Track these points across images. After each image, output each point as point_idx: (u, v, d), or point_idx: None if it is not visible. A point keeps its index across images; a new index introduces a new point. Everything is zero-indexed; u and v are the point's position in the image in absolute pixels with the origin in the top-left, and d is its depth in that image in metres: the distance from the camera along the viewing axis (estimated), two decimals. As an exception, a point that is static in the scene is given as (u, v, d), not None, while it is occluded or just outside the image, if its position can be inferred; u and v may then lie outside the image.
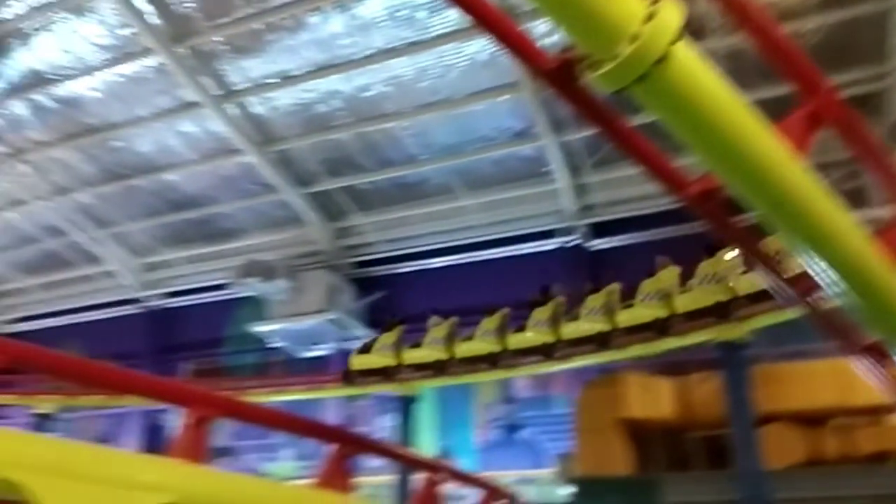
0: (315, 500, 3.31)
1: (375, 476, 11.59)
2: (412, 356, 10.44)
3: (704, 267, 8.90)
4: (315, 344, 14.35)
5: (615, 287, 9.67)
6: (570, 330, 9.56)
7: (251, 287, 13.84)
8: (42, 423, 12.78)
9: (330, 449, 3.63)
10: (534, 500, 10.17)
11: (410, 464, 5.84)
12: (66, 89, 12.79)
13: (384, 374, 10.71)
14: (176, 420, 13.33)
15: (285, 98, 12.59)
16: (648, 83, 2.15)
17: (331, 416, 14.16)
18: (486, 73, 11.60)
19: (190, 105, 12.70)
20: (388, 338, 10.68)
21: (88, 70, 12.32)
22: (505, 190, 13.53)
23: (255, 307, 14.31)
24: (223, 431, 14.02)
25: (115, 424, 16.09)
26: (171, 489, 2.77)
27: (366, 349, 11.00)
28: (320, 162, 13.72)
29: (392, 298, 14.46)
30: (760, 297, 8.09)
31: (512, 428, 13.20)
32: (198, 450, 3.15)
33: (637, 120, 3.86)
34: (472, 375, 10.38)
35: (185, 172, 14.24)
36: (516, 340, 9.93)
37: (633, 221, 12.93)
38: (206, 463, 3.24)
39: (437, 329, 10.40)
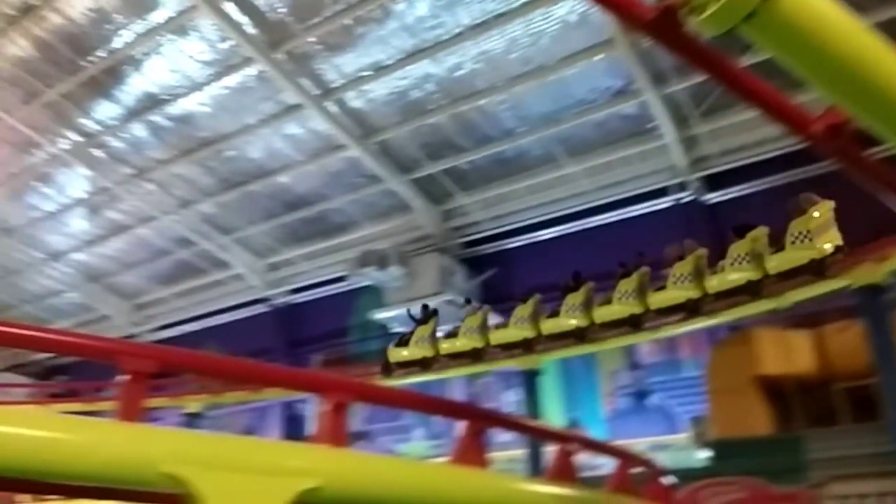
0: (454, 476, 3.38)
1: (505, 451, 11.74)
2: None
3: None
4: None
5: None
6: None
7: (368, 276, 14.25)
8: (192, 421, 13.73)
9: (462, 426, 3.69)
10: (669, 466, 9.94)
11: (542, 436, 5.84)
12: (178, 107, 13.57)
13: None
14: (312, 409, 13.97)
15: (380, 89, 12.79)
16: (758, 20, 2.01)
17: (456, 395, 14.42)
18: (577, 34, 11.30)
19: (292, 108, 13.16)
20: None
21: (196, 86, 13.01)
22: (609, 152, 13.18)
23: (374, 295, 14.74)
24: (357, 417, 14.59)
25: (258, 418, 17.08)
26: (317, 473, 2.90)
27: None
28: (420, 147, 13.88)
29: (504, 274, 14.48)
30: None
31: (640, 395, 12.97)
32: (338, 434, 3.27)
33: (748, 60, 3.63)
34: (614, 340, 10.14)
35: (295, 173, 14.80)
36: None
37: (749, 169, 12.27)
38: (346, 446, 3.37)
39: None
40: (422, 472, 3.49)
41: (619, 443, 9.10)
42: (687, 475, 8.76)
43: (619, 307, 9.75)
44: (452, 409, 3.96)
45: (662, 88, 11.70)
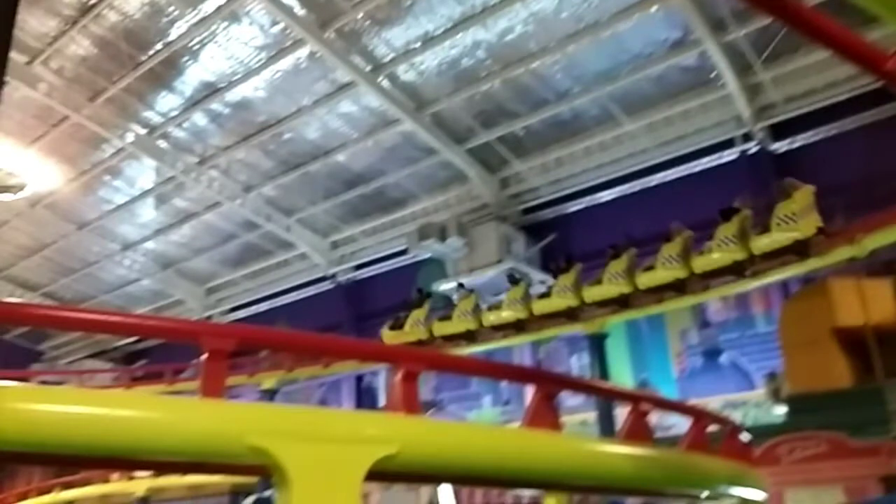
0: (529, 439, 3.41)
1: (575, 415, 11.75)
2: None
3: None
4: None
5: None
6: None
7: (428, 249, 14.35)
8: (268, 397, 14.19)
9: (534, 391, 3.71)
10: (744, 423, 9.77)
11: (614, 397, 5.81)
12: (235, 94, 13.83)
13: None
14: (383, 381, 14.27)
15: (431, 60, 12.73)
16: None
17: (522, 362, 14.46)
18: (629, -13, 10.97)
19: (345, 86, 13.25)
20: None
21: (251, 72, 13.22)
22: (670, 106, 12.83)
23: (436, 267, 14.84)
24: (426, 386, 14.82)
25: (331, 391, 17.53)
26: (393, 440, 2.98)
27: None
28: (474, 116, 13.79)
29: (565, 239, 14.35)
30: None
31: (711, 353, 12.72)
32: (410, 403, 3.34)
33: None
34: (660, 305, 9.99)
35: (351, 151, 14.94)
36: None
37: (817, 115, 11.75)
38: (419, 415, 3.44)
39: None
40: (496, 436, 3.54)
41: (693, 402, 9.00)
42: (763, 432, 8.57)
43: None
44: (523, 375, 3.98)
45: (722, 36, 11.27)
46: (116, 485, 13.40)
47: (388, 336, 11.61)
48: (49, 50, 13.21)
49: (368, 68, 12.84)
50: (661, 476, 4.04)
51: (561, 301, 10.46)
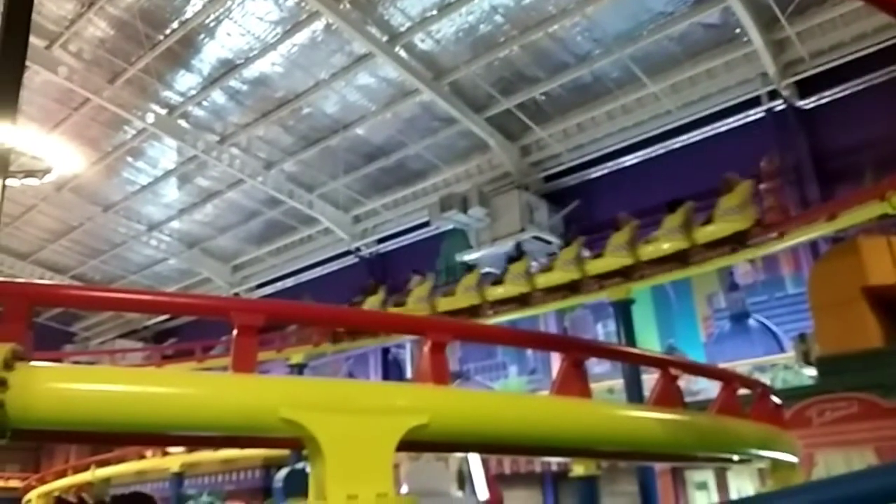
0: (560, 407, 3.40)
1: (601, 382, 11.72)
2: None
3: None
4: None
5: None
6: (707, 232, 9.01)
7: (451, 220, 14.31)
8: (296, 372, 14.36)
9: (562, 358, 3.69)
10: (774, 386, 9.69)
11: (643, 362, 5.78)
12: (253, 70, 13.80)
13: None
14: (408, 354, 14.35)
15: (448, 27, 12.58)
16: None
17: (548, 330, 14.45)
18: (648, -55, 10.70)
19: (362, 57, 13.15)
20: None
21: (268, 47, 13.17)
22: (693, 66, 12.57)
23: (459, 238, 14.83)
24: (451, 357, 14.86)
25: (357, 364, 17.70)
26: (424, 410, 2.99)
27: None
28: (493, 83, 13.63)
29: (588, 206, 14.23)
30: None
31: (739, 316, 12.61)
32: (439, 373, 3.34)
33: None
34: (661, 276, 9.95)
35: (370, 124, 14.89)
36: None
37: (846, 69, 11.43)
38: (448, 385, 3.45)
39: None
40: (526, 405, 3.54)
41: (722, 366, 8.94)
42: (793, 394, 8.50)
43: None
44: (551, 342, 3.97)
45: (745, -9, 10.99)
46: (151, 461, 13.71)
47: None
48: (67, 33, 13.26)
49: (385, 38, 12.72)
50: (692, 440, 4.02)
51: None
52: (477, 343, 11.90)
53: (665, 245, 9.69)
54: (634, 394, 9.07)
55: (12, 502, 18.00)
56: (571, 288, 10.64)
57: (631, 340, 9.74)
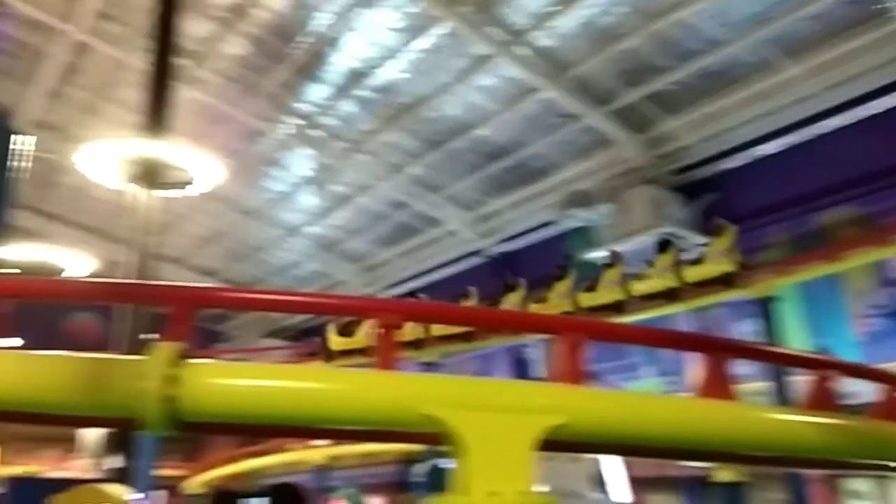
0: (707, 409, 3.26)
1: (742, 384, 11.08)
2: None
3: None
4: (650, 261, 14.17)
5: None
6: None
7: (576, 218, 14.11)
8: (429, 369, 14.66)
9: (703, 359, 3.54)
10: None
11: (794, 363, 5.43)
12: (379, 78, 14.24)
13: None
14: (537, 353, 14.25)
15: (568, 22, 12.40)
16: None
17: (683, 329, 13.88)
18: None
19: (483, 59, 13.23)
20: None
21: (393, 55, 13.54)
22: (834, 46, 11.64)
23: (586, 236, 14.57)
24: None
25: (485, 363, 17.79)
26: (563, 410, 2.96)
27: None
28: (617, 76, 13.29)
29: (725, 198, 13.55)
30: None
31: (898, 313, 11.57)
32: (575, 373, 3.30)
33: None
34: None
35: (492, 124, 14.94)
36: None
37: None
38: (584, 385, 3.39)
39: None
40: (669, 406, 3.42)
41: (880, 367, 8.23)
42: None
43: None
44: (693, 342, 3.81)
45: (895, -41, 10.08)
46: (298, 454, 14.47)
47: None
48: (208, 52, 14.25)
49: (506, 38, 12.72)
50: (848, 447, 3.74)
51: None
52: (614, 343, 11.65)
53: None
54: (782, 397, 8.56)
55: (174, 490, 19.58)
56: (724, 282, 10.15)
57: (776, 340, 9.20)
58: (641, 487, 10.57)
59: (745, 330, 12.88)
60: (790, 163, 12.60)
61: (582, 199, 13.87)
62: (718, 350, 3.53)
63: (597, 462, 8.24)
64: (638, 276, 11.09)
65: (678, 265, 10.58)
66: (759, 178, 13.00)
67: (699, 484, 12.23)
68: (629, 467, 9.44)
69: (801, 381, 7.89)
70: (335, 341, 13.04)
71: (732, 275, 10.00)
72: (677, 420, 3.24)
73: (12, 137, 5.99)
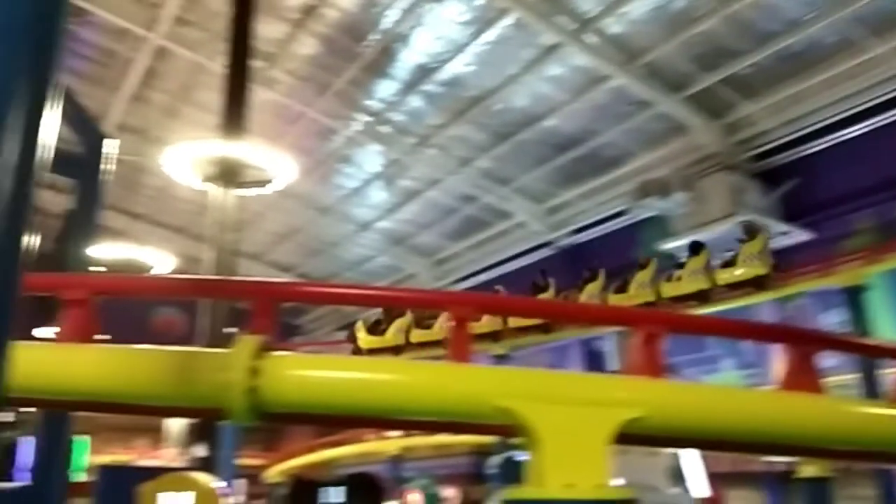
0: (789, 402, 3.16)
1: (827, 377, 10.60)
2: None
3: None
4: (729, 251, 13.72)
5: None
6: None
7: (651, 207, 13.79)
8: (500, 362, 14.65)
9: (789, 351, 3.42)
10: None
11: (884, 355, 5.17)
12: (446, 72, 14.27)
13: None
14: (610, 346, 14.00)
15: (639, 7, 12.11)
16: None
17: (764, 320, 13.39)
18: None
19: (552, 48, 13.08)
20: None
21: (460, 48, 13.54)
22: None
23: (660, 225, 14.23)
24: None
25: (558, 356, 17.63)
26: (640, 403, 2.92)
27: None
28: (691, 60, 12.91)
29: (808, 184, 13.00)
30: None
31: None
32: (653, 365, 3.25)
33: None
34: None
35: (561, 114, 14.76)
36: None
37: None
38: (661, 378, 3.33)
39: None
40: (751, 399, 3.33)
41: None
42: None
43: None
44: (778, 334, 3.67)
45: None
46: (373, 444, 14.73)
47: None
48: (281, 53, 14.59)
49: (574, 27, 12.53)
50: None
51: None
52: (693, 335, 11.37)
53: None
54: (870, 390, 8.17)
55: (255, 478, 20.27)
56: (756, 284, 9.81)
57: (865, 331, 8.78)
58: (721, 482, 10.29)
59: (833, 321, 12.35)
60: (877, 145, 11.97)
61: (656, 188, 13.53)
62: (804, 341, 3.40)
63: (675, 456, 8.07)
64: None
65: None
66: (844, 163, 12.40)
67: (782, 479, 11.82)
68: (707, 462, 9.22)
69: (891, 374, 7.52)
70: (364, 340, 13.12)
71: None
72: (759, 413, 3.14)
73: (103, 141, 6.31)
